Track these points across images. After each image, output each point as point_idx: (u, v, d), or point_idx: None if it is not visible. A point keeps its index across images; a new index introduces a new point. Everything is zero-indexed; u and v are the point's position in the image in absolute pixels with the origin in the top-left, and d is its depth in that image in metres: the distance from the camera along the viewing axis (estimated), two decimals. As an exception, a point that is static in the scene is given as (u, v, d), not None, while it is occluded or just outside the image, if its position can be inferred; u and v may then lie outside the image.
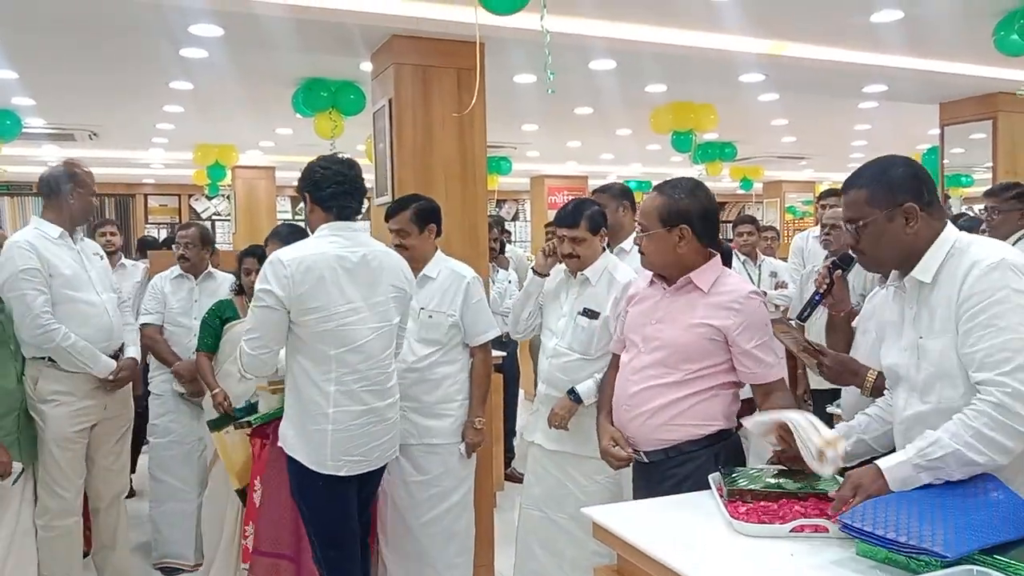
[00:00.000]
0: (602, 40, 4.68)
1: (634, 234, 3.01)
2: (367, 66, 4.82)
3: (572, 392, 3.16)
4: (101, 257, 3.79)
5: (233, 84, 6.19)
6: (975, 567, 1.50)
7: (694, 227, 2.46)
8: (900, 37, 5.04)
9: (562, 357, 3.23)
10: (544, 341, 3.36)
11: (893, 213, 1.94)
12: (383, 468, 3.08)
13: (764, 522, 1.86)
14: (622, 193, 3.69)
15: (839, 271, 2.56)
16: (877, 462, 1.82)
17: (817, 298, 2.56)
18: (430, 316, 3.44)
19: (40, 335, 3.34)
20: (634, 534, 1.89)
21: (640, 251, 2.59)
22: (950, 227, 1.97)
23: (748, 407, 2.55)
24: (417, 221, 3.43)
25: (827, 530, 1.82)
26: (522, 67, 5.43)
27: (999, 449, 1.72)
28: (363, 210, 3.04)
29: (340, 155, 3.08)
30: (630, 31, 4.71)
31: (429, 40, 4.21)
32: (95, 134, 8.95)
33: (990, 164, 6.49)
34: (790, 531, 1.82)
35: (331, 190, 2.91)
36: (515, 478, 5.49)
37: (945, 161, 6.93)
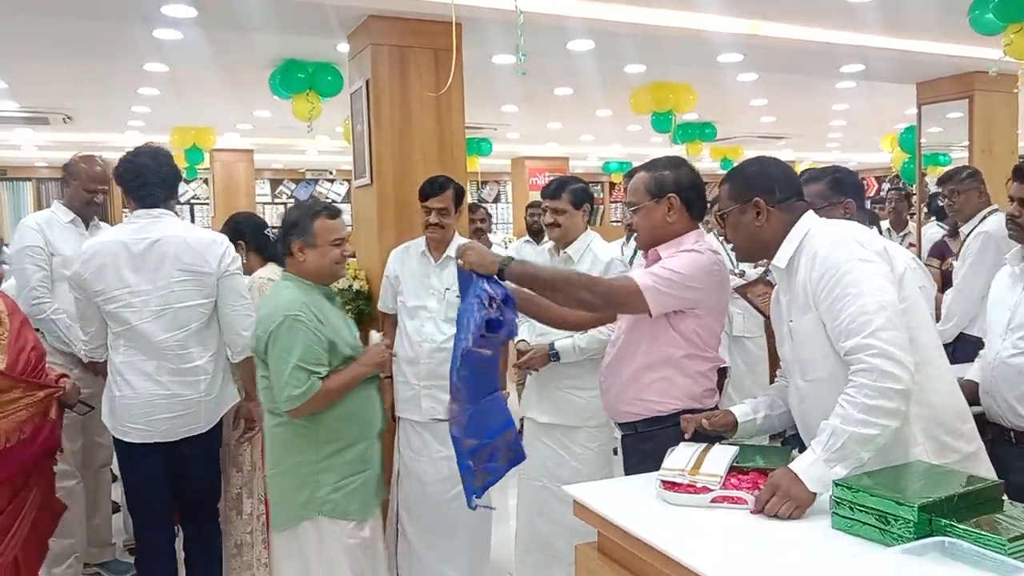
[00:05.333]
0: (580, 20, 4.66)
1: None
2: (344, 47, 4.77)
3: (552, 348, 3.24)
4: None
5: (209, 66, 6.11)
6: (946, 539, 1.53)
7: (682, 196, 2.49)
8: (877, 16, 5.05)
9: (549, 335, 3.27)
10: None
11: (745, 207, 2.14)
12: (198, 442, 3.13)
13: (690, 493, 1.90)
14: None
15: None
16: (792, 466, 1.85)
17: None
18: (457, 296, 3.51)
19: (32, 306, 3.55)
20: (612, 511, 1.90)
21: (634, 230, 2.65)
22: (807, 217, 2.10)
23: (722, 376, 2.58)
24: (456, 201, 3.58)
25: (746, 502, 1.86)
26: (500, 48, 5.39)
27: (885, 414, 1.80)
28: (176, 196, 3.25)
29: (152, 144, 3.24)
30: (608, 11, 4.69)
31: (406, 20, 4.17)
32: (69, 117, 8.83)
33: (967, 143, 6.54)
34: (711, 501, 1.88)
35: (134, 182, 3.11)
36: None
37: (922, 140, 6.97)
